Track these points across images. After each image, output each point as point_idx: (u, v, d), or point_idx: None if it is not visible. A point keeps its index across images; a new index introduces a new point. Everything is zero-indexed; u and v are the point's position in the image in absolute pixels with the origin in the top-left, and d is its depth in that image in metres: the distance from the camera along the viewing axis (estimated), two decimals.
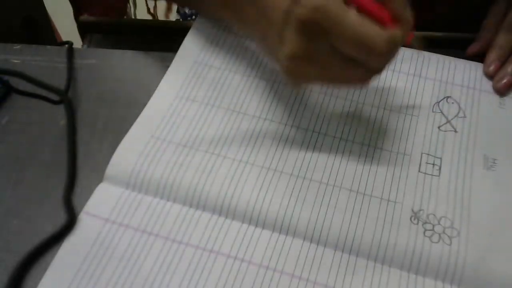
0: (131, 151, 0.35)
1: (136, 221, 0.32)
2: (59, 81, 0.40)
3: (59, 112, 0.39)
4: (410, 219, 0.33)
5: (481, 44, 0.44)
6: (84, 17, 0.59)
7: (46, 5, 0.57)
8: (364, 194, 0.34)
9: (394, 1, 0.31)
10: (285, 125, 0.37)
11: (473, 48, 0.44)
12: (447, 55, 0.43)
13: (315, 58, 0.31)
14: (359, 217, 0.33)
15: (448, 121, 0.38)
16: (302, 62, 0.31)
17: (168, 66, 0.41)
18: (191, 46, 0.42)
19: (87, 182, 0.35)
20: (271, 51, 0.35)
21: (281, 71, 0.33)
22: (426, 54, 0.42)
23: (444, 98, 0.40)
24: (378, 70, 0.32)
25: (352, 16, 0.29)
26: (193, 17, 1.06)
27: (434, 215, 0.33)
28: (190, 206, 0.33)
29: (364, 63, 0.31)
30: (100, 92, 0.40)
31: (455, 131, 0.38)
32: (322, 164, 0.35)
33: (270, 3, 0.33)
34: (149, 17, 0.54)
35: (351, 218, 0.33)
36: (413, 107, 0.39)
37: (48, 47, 0.43)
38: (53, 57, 0.42)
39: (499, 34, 0.43)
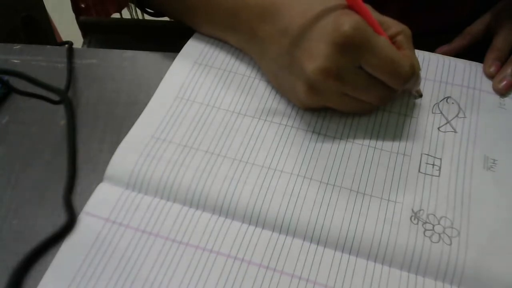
0: (131, 151, 0.35)
1: (136, 221, 0.32)
2: (59, 81, 0.40)
3: (59, 112, 0.39)
4: (410, 219, 0.33)
5: (451, 48, 0.46)
6: (84, 17, 0.60)
7: (46, 5, 0.57)
8: (364, 194, 0.34)
9: (407, 49, 0.35)
10: (285, 126, 0.37)
11: (442, 49, 0.46)
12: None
13: (342, 75, 0.33)
14: (359, 217, 0.33)
15: (448, 122, 0.38)
16: (329, 77, 0.33)
17: (168, 66, 0.41)
18: (193, 47, 0.42)
19: (87, 182, 0.35)
20: (280, 66, 0.36)
21: (300, 88, 0.34)
22: (426, 54, 0.42)
23: (444, 98, 0.40)
24: (395, 92, 0.36)
25: (384, 41, 0.33)
26: None
27: (434, 215, 0.33)
28: (190, 206, 0.33)
29: (388, 84, 0.34)
30: (100, 92, 0.40)
31: (455, 132, 0.38)
32: (322, 164, 0.35)
33: (285, 20, 0.34)
34: (149, 17, 0.54)
35: (351, 218, 0.33)
36: (413, 108, 0.39)
37: (48, 47, 0.43)
38: (53, 57, 0.42)
39: (496, 37, 0.44)
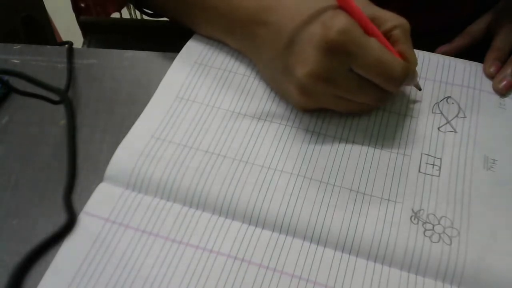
0: (131, 151, 0.35)
1: (136, 221, 0.32)
2: (59, 81, 0.40)
3: (59, 112, 0.39)
4: (410, 219, 0.33)
5: (451, 48, 0.46)
6: (84, 17, 0.60)
7: (46, 5, 0.57)
8: (364, 194, 0.34)
9: (404, 43, 0.35)
10: (285, 125, 0.37)
11: (442, 48, 0.46)
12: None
13: (333, 78, 0.33)
14: (359, 217, 0.33)
15: (448, 122, 0.38)
16: (320, 81, 0.33)
17: (168, 66, 0.41)
18: (193, 47, 0.42)
19: (87, 182, 0.35)
20: (274, 69, 0.36)
21: (293, 91, 0.34)
22: (426, 54, 0.42)
23: (444, 98, 0.40)
24: (389, 94, 0.36)
25: (374, 42, 0.33)
26: None
27: (434, 215, 0.33)
28: (190, 206, 0.33)
29: (380, 86, 0.34)
30: (100, 92, 0.40)
31: (455, 132, 0.38)
32: (322, 163, 0.35)
33: (278, 23, 0.35)
34: (149, 17, 0.54)
35: (351, 218, 0.33)
36: (413, 108, 0.39)
37: (48, 47, 0.43)
38: (53, 57, 0.42)
39: (496, 37, 0.44)
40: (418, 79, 0.39)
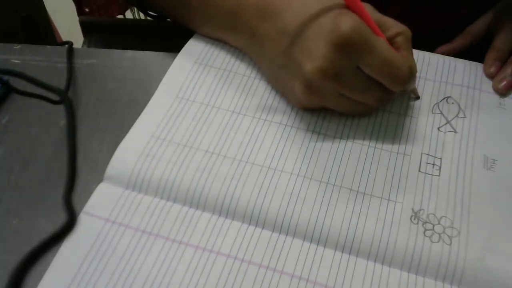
0: (131, 151, 0.35)
1: (136, 221, 0.32)
2: (59, 81, 0.40)
3: (59, 112, 0.39)
4: (410, 219, 0.33)
5: (451, 48, 0.46)
6: (84, 17, 0.60)
7: (46, 5, 0.57)
8: (364, 194, 0.34)
9: (406, 50, 0.35)
10: (285, 125, 0.37)
11: (442, 48, 0.46)
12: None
13: (340, 75, 0.33)
14: (359, 216, 0.33)
15: (448, 122, 0.38)
16: (327, 77, 0.33)
17: (168, 66, 0.41)
18: (193, 47, 0.42)
19: (87, 182, 0.35)
20: (278, 65, 0.36)
21: (297, 88, 0.34)
22: (426, 54, 0.42)
23: (444, 98, 0.40)
24: (393, 94, 0.36)
25: (382, 42, 0.33)
26: None
27: (434, 215, 0.33)
28: (190, 206, 0.33)
29: (385, 85, 0.34)
30: (100, 92, 0.40)
31: (455, 132, 0.38)
32: (322, 163, 0.35)
33: (284, 20, 0.35)
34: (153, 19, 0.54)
35: (351, 218, 0.33)
36: (413, 108, 0.39)
37: (48, 47, 0.43)
38: (53, 57, 0.42)
39: (497, 37, 0.44)
40: (417, 83, 0.39)
